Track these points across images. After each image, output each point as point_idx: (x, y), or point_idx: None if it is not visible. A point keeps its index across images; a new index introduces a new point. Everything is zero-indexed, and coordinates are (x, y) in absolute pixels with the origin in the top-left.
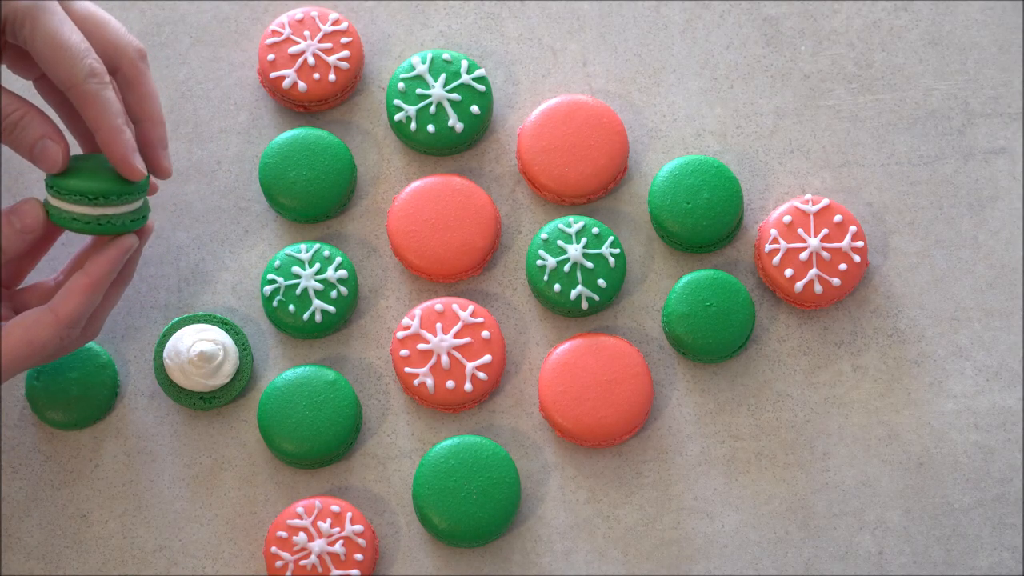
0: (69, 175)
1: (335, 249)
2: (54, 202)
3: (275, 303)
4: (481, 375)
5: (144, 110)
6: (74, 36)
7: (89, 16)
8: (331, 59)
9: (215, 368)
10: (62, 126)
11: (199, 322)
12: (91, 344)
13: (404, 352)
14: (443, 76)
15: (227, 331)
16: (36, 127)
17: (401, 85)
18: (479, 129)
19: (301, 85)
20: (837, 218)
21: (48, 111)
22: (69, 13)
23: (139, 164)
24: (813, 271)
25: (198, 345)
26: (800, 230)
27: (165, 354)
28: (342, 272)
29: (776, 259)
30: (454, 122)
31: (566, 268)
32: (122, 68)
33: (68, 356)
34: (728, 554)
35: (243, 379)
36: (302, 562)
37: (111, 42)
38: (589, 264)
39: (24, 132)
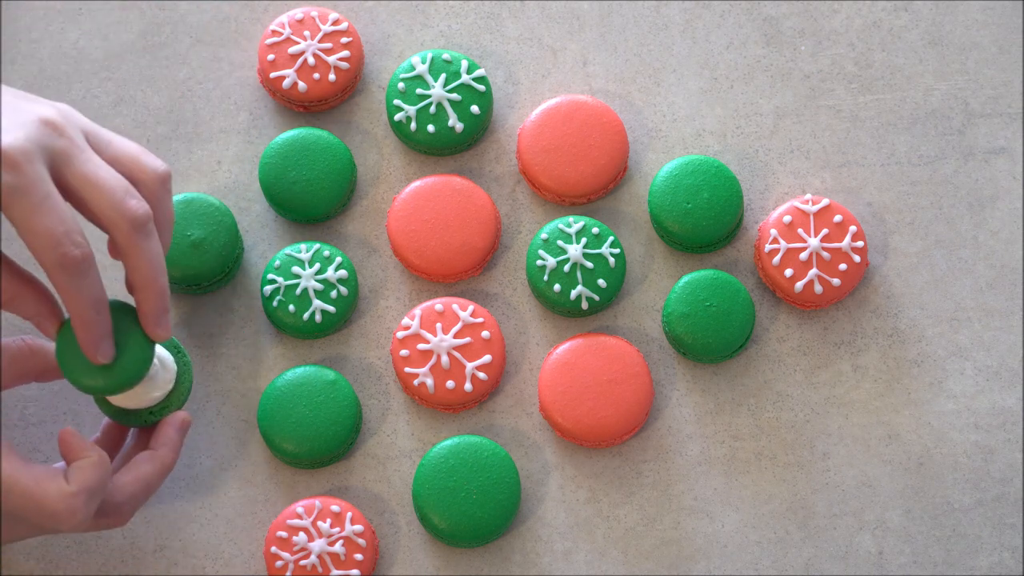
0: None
1: (335, 249)
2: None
3: (275, 303)
4: (481, 375)
5: (138, 280)
6: (48, 220)
7: (84, 183)
8: (331, 59)
9: (151, 380)
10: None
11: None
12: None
13: (404, 352)
14: (443, 76)
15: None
16: (27, 307)
17: (401, 85)
18: (479, 129)
19: (301, 85)
20: (837, 218)
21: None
22: (62, 180)
23: (101, 354)
24: (813, 271)
25: None
26: (800, 230)
27: None
28: (342, 272)
29: (776, 259)
30: (454, 122)
31: (566, 268)
32: (115, 240)
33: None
34: (728, 554)
35: (187, 380)
36: (302, 562)
37: (103, 213)
38: (589, 264)
39: (17, 310)
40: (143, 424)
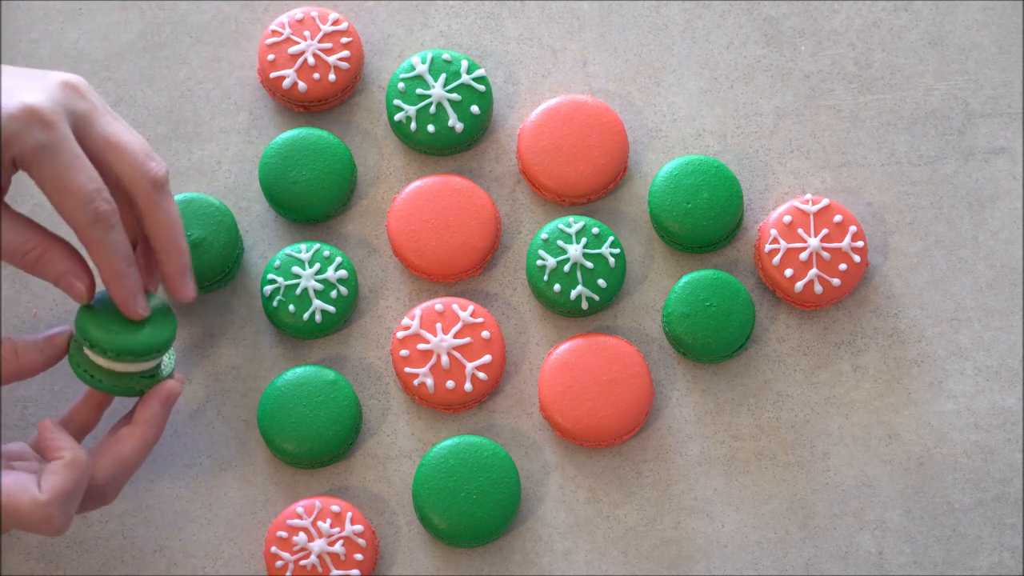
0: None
1: (335, 249)
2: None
3: (275, 303)
4: (481, 375)
5: (160, 241)
6: (80, 177)
7: (107, 145)
8: (331, 59)
9: None
10: None
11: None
12: None
13: (404, 352)
14: (443, 76)
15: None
16: (57, 264)
17: (401, 85)
18: (479, 129)
19: (301, 85)
20: (837, 218)
21: None
22: (85, 141)
23: (140, 307)
24: (813, 271)
25: None
26: (800, 230)
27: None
28: (342, 272)
29: (776, 259)
30: (454, 122)
31: (566, 268)
32: (136, 201)
33: None
34: (728, 554)
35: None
36: (302, 562)
37: (125, 174)
38: (589, 264)
39: (46, 268)
40: (132, 393)
